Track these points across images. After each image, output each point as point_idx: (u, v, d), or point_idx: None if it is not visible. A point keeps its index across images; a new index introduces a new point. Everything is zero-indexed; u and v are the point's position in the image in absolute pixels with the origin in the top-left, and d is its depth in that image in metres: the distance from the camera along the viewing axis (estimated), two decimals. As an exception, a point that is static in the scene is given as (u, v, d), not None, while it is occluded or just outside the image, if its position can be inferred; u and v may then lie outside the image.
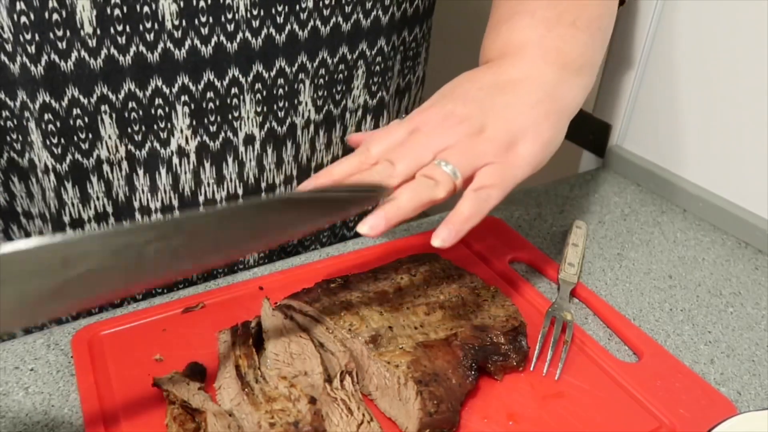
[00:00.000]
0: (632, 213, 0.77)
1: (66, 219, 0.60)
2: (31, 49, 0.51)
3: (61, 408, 0.50)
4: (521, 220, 0.75)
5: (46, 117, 0.55)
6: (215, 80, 0.57)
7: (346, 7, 0.59)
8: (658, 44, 0.78)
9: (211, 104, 0.58)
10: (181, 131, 0.58)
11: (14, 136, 0.57)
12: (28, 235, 0.63)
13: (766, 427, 0.44)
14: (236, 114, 0.59)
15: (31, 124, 0.55)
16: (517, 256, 0.67)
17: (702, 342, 0.59)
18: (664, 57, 0.77)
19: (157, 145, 0.58)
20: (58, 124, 0.55)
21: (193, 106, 0.57)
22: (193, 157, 0.59)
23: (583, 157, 0.91)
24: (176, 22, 0.53)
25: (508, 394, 0.51)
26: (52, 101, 0.54)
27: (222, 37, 0.55)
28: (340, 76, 0.62)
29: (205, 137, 0.59)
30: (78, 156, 0.57)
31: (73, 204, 0.59)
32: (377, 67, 0.64)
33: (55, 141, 0.56)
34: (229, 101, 0.58)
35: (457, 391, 0.48)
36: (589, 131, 0.87)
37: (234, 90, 0.58)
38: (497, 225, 0.71)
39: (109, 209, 0.61)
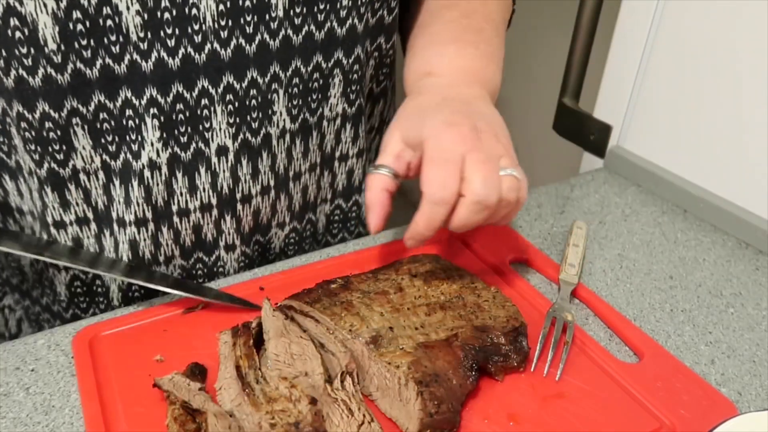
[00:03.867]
0: (633, 213, 0.77)
1: (49, 220, 0.60)
2: (0, 63, 0.51)
3: (62, 408, 0.50)
4: (522, 220, 0.75)
5: (22, 125, 0.54)
6: (184, 92, 0.56)
7: (319, 16, 0.58)
8: (658, 45, 0.78)
9: (180, 115, 0.57)
10: (152, 144, 0.57)
11: (1, 139, 0.57)
12: (22, 229, 0.63)
13: (766, 427, 0.44)
14: (207, 125, 0.58)
15: (13, 130, 0.55)
16: (517, 257, 0.67)
17: (703, 342, 0.59)
18: (665, 57, 0.77)
19: (129, 157, 0.57)
20: (33, 133, 0.55)
21: (162, 118, 0.56)
22: (165, 168, 0.58)
23: (584, 158, 0.91)
24: (141, 34, 0.52)
25: (509, 394, 0.51)
26: (26, 112, 0.54)
27: (189, 49, 0.54)
28: (315, 84, 0.61)
29: (176, 148, 0.58)
30: (54, 165, 0.56)
31: (54, 207, 0.59)
32: (354, 75, 0.63)
33: (32, 148, 0.56)
34: (199, 112, 0.57)
35: (457, 392, 0.48)
36: (589, 132, 0.87)
37: (204, 101, 0.57)
38: (498, 225, 0.71)
39: (90, 215, 0.60)
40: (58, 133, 0.55)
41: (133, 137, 0.56)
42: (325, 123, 0.65)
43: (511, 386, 0.51)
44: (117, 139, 0.56)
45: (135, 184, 0.58)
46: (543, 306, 0.59)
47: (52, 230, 0.60)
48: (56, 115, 0.54)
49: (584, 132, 0.87)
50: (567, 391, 0.51)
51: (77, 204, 0.59)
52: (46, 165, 0.56)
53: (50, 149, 0.56)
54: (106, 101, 0.54)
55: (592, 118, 0.86)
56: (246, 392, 0.47)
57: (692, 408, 0.50)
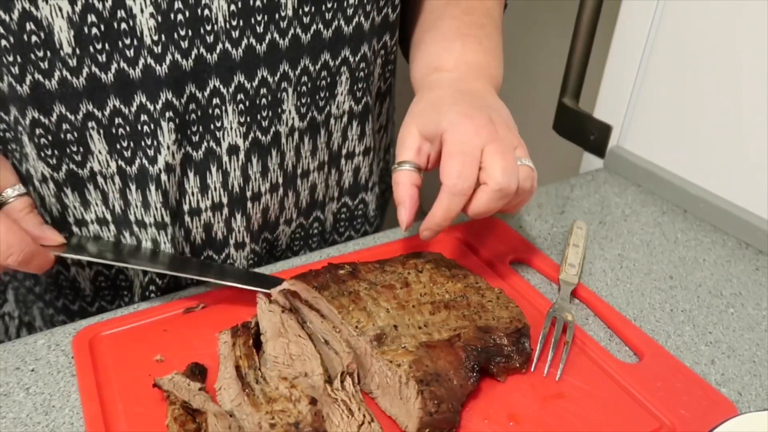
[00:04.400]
0: (633, 213, 0.77)
1: (71, 219, 0.61)
2: (15, 70, 0.52)
3: (62, 409, 0.50)
4: (522, 220, 0.75)
5: (37, 132, 0.55)
6: (197, 92, 0.56)
7: (327, 14, 0.58)
8: (658, 45, 0.78)
9: (193, 115, 0.57)
10: (168, 147, 0.57)
11: (13, 146, 0.58)
12: None
13: (766, 427, 0.44)
14: (219, 124, 0.58)
15: (24, 138, 0.56)
16: (517, 257, 0.67)
17: (703, 343, 0.59)
18: (665, 57, 0.77)
19: (145, 162, 0.58)
20: (50, 137, 0.55)
21: (177, 120, 0.56)
22: (178, 169, 0.59)
23: (584, 158, 0.91)
24: (155, 37, 0.52)
25: (509, 394, 0.51)
26: (41, 117, 0.54)
27: (202, 49, 0.54)
28: (323, 82, 0.62)
29: (188, 148, 0.58)
30: (73, 166, 0.57)
31: (75, 207, 0.60)
32: (361, 73, 0.64)
33: (49, 153, 0.56)
34: (210, 112, 0.58)
35: (458, 392, 0.48)
36: (589, 132, 0.87)
37: (215, 101, 0.57)
38: (498, 225, 0.71)
39: (108, 217, 0.61)
40: (75, 135, 0.56)
41: (149, 142, 0.57)
42: (332, 121, 0.65)
43: (511, 386, 0.51)
44: (132, 144, 0.57)
45: (153, 188, 0.59)
46: (543, 306, 0.59)
47: (74, 228, 0.61)
48: (72, 118, 0.55)
49: (584, 132, 0.87)
50: (567, 391, 0.51)
51: (96, 204, 0.60)
52: (64, 167, 0.57)
53: (68, 150, 0.56)
54: (121, 106, 0.55)
55: (592, 118, 0.86)
56: (246, 392, 0.47)
57: (692, 408, 0.50)
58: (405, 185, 0.55)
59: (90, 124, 0.55)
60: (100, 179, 0.58)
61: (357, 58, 0.63)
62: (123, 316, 0.57)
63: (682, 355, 0.57)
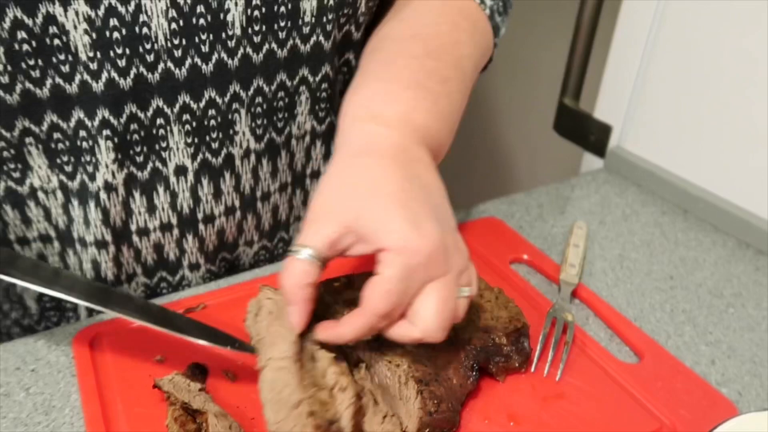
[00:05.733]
0: (633, 214, 0.78)
1: (11, 237, 0.59)
2: None
3: (62, 409, 0.50)
4: (522, 220, 0.75)
5: None
6: (138, 112, 0.54)
7: (280, 33, 0.55)
8: (658, 45, 0.78)
9: (135, 135, 0.55)
10: (106, 166, 0.55)
11: None
12: None
13: (766, 427, 0.44)
14: (164, 145, 0.56)
15: None
16: (518, 257, 0.67)
17: (703, 343, 0.59)
18: (665, 57, 0.77)
19: (86, 178, 0.56)
20: None
21: (116, 139, 0.54)
22: (121, 189, 0.57)
23: (584, 158, 0.91)
24: (90, 54, 0.50)
25: (509, 394, 0.51)
26: None
27: (142, 68, 0.52)
28: (280, 103, 0.59)
29: (132, 168, 0.56)
30: (11, 183, 0.55)
31: (15, 224, 0.58)
32: (323, 93, 0.61)
33: None
34: (154, 132, 0.55)
35: (457, 391, 0.48)
36: (590, 132, 0.87)
37: (159, 121, 0.55)
38: (498, 226, 0.71)
39: (52, 233, 0.59)
40: (12, 152, 0.54)
41: (88, 159, 0.55)
42: (293, 142, 0.63)
43: (511, 386, 0.51)
44: (73, 159, 0.55)
45: (92, 205, 0.57)
46: (543, 306, 0.59)
47: (16, 247, 0.59)
48: (8, 135, 0.53)
49: (584, 132, 0.87)
50: (567, 391, 0.51)
51: (38, 221, 0.58)
52: (3, 183, 0.55)
53: (5, 168, 0.55)
54: (59, 121, 0.53)
55: (592, 118, 0.86)
56: (299, 359, 0.44)
57: (692, 408, 0.50)
58: (295, 285, 0.45)
59: (28, 140, 0.53)
60: (41, 195, 0.57)
61: (317, 78, 0.60)
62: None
63: (682, 355, 0.57)
